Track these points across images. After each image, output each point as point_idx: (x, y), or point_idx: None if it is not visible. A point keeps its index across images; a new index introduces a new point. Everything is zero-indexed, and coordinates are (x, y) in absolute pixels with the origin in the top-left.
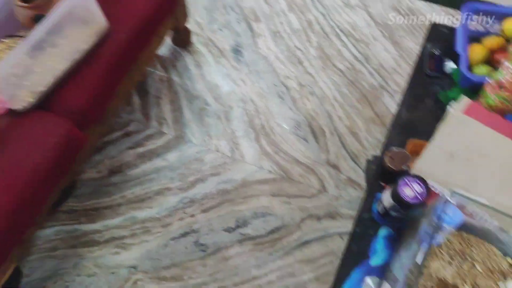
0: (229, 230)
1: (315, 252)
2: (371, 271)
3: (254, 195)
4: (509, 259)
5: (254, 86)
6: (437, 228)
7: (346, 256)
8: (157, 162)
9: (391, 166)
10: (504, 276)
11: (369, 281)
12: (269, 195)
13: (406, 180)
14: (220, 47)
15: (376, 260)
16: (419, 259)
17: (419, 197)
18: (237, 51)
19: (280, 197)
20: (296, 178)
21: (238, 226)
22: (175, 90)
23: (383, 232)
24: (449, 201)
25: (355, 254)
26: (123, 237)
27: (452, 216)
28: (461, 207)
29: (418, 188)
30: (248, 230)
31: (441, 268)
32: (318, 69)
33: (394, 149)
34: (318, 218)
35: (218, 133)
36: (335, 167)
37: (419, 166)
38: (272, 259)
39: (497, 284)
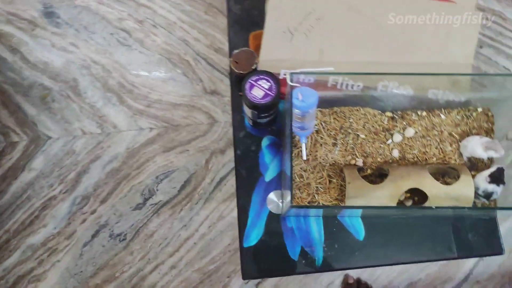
0: (139, 207)
1: (234, 185)
2: (270, 187)
3: (147, 159)
4: (388, 113)
5: (89, 45)
6: (302, 115)
7: (239, 183)
8: (25, 176)
9: (239, 71)
10: (389, 131)
11: (273, 196)
12: (162, 152)
13: (250, 81)
14: (28, 17)
15: (269, 174)
16: (302, 155)
17: (270, 93)
18: (50, 14)
19: (174, 149)
20: (182, 122)
21: (146, 199)
22: (1, 89)
23: (265, 142)
24: (297, 85)
25: (246, 178)
26: (31, 270)
27: (309, 97)
28: (314, 84)
29: (265, 84)
30: (159, 197)
31: (328, 152)
32: None
33: (237, 51)
34: (222, 151)
35: (76, 114)
36: (214, 92)
37: (264, 58)
38: (195, 212)
39: (385, 143)
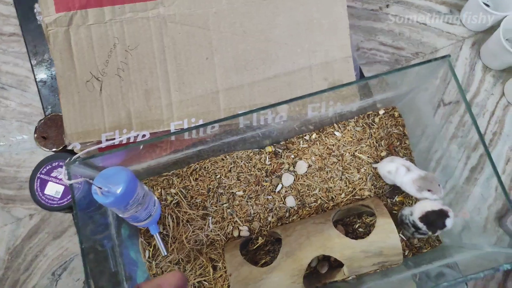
0: None
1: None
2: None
3: (36, 255)
4: (268, 148)
5: None
6: (125, 210)
7: None
8: None
9: (50, 150)
10: (275, 174)
11: None
12: (52, 240)
13: (40, 176)
14: None
15: (142, 272)
16: (161, 250)
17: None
18: None
19: (66, 231)
20: None
21: None
22: None
23: (124, 233)
24: (80, 180)
25: None
26: None
27: (116, 185)
28: (148, 146)
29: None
30: None
31: (199, 231)
32: None
33: (41, 120)
34: None
35: None
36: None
37: (70, 130)
38: None
39: (273, 192)
